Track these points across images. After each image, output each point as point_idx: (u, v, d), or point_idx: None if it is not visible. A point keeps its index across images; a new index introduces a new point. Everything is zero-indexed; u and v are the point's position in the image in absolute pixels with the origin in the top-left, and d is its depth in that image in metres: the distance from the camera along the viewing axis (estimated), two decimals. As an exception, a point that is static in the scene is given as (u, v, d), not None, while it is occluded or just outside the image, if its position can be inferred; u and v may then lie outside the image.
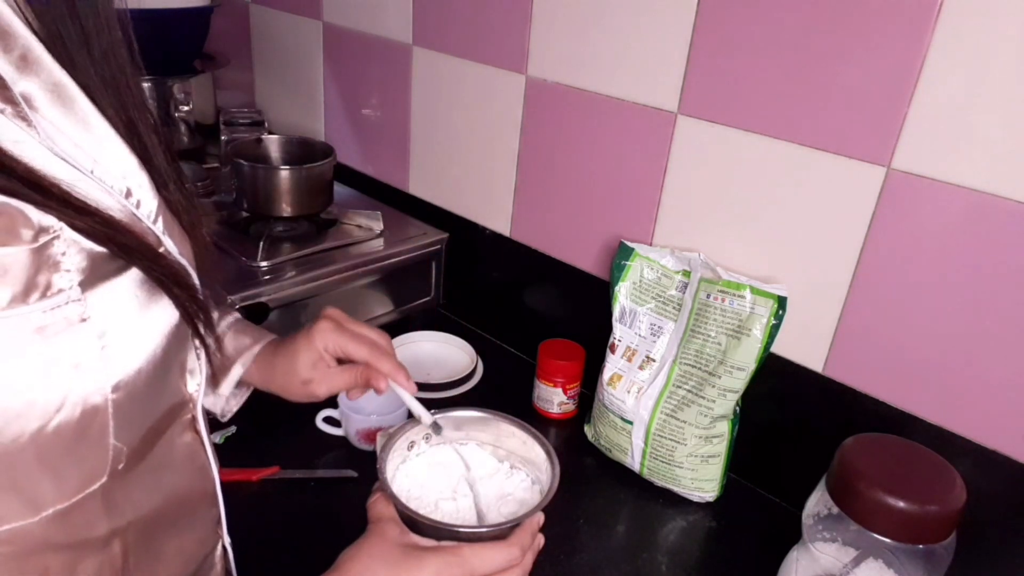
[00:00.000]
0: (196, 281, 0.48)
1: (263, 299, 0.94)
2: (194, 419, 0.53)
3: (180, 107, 1.28)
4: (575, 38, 0.95)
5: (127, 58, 0.44)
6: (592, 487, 0.91)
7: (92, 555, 0.43)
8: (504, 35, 1.03)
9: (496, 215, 1.14)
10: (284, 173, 1.06)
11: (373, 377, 0.69)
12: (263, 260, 0.99)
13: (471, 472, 0.75)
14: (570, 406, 1.03)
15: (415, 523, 0.67)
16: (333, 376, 0.71)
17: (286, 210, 1.07)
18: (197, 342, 0.50)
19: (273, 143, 1.16)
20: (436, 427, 0.74)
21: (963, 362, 0.74)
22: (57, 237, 0.36)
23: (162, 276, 0.43)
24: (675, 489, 0.89)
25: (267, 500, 0.84)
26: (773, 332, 0.81)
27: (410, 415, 0.75)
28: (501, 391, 1.08)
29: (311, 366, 0.70)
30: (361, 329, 0.71)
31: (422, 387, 1.03)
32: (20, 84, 0.37)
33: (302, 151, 1.15)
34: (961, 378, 0.74)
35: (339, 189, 1.27)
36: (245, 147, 1.13)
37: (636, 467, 0.91)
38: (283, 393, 0.73)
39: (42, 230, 0.35)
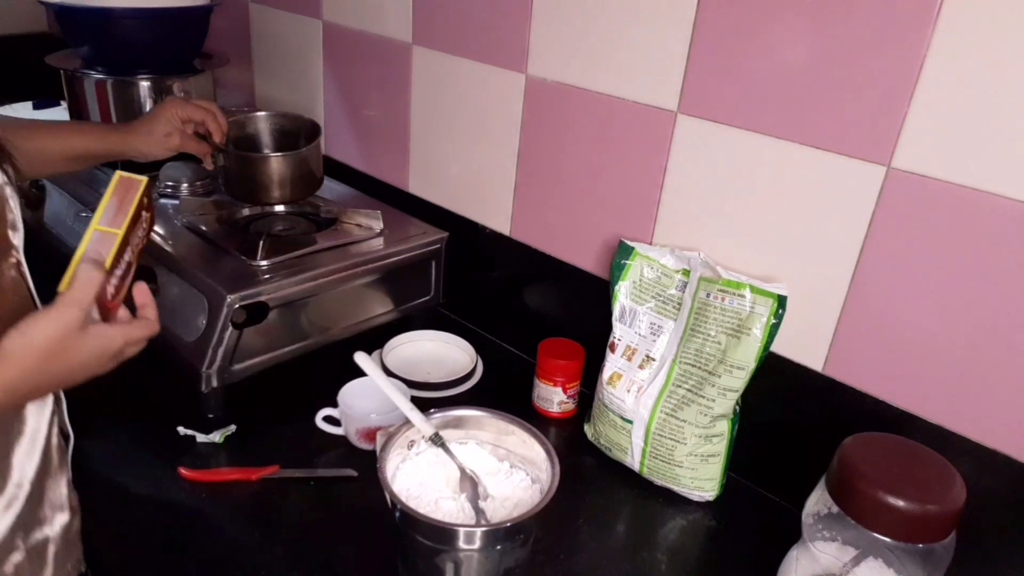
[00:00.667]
0: None
1: (263, 298, 0.94)
2: (19, 263, 0.62)
3: (180, 106, 1.28)
4: (575, 37, 0.95)
5: None
6: (592, 486, 0.91)
7: None
8: (504, 34, 1.03)
9: (496, 214, 1.14)
10: (271, 161, 1.05)
11: (213, 131, 1.03)
12: (263, 259, 0.99)
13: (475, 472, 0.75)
14: (570, 405, 1.03)
15: (415, 522, 0.67)
16: (187, 137, 1.01)
17: (275, 197, 1.06)
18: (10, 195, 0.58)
19: (257, 121, 1.14)
20: (437, 437, 0.75)
21: (963, 362, 0.74)
22: None
23: None
24: (675, 488, 0.89)
25: (267, 500, 0.84)
26: (773, 331, 0.81)
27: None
28: (501, 390, 1.08)
29: (167, 124, 0.98)
30: (199, 102, 1.03)
31: (422, 387, 1.03)
32: None
33: (288, 126, 1.13)
34: (961, 378, 0.74)
35: (339, 189, 1.27)
36: (229, 128, 1.08)
37: (636, 466, 0.91)
38: (142, 152, 0.98)
39: None
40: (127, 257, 0.62)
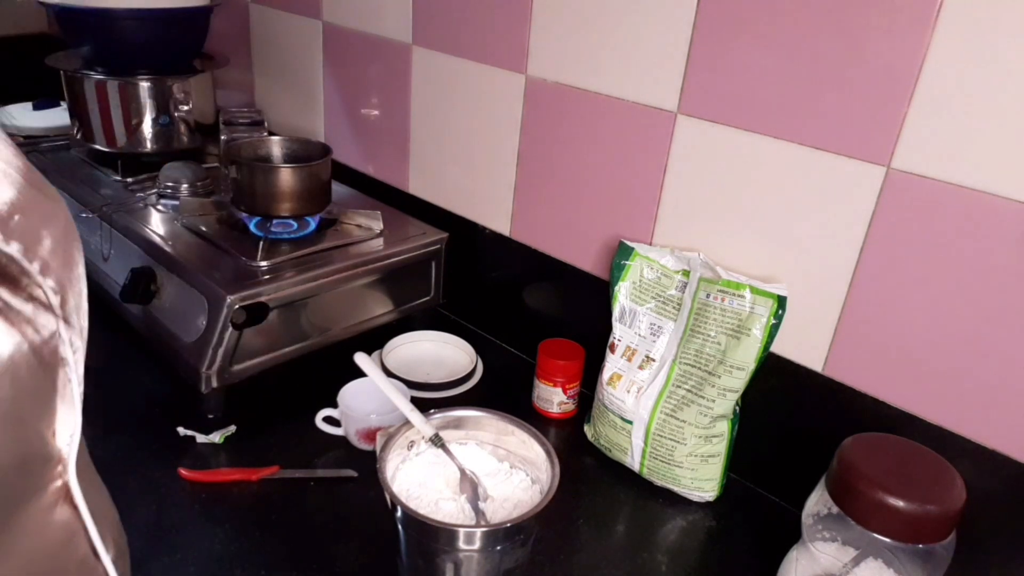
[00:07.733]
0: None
1: (263, 299, 0.94)
2: (67, 487, 0.35)
3: (180, 107, 1.28)
4: (575, 38, 0.95)
5: None
6: (592, 487, 0.91)
7: None
8: (504, 35, 1.03)
9: (496, 215, 1.14)
10: (281, 171, 1.06)
11: None
12: (263, 260, 0.99)
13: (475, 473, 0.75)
14: (570, 406, 1.03)
15: (415, 523, 0.67)
16: None
17: (284, 209, 1.07)
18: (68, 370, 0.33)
19: (270, 144, 1.16)
20: (437, 438, 0.75)
21: (963, 362, 0.74)
22: None
23: None
24: (675, 489, 0.89)
25: (267, 500, 0.84)
26: (773, 332, 0.81)
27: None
28: (501, 391, 1.08)
29: None
30: None
31: (422, 387, 1.03)
32: None
33: (300, 151, 1.15)
34: (961, 378, 0.74)
35: (339, 189, 1.27)
36: (241, 147, 1.13)
37: (636, 467, 0.91)
38: None
39: None
40: None
